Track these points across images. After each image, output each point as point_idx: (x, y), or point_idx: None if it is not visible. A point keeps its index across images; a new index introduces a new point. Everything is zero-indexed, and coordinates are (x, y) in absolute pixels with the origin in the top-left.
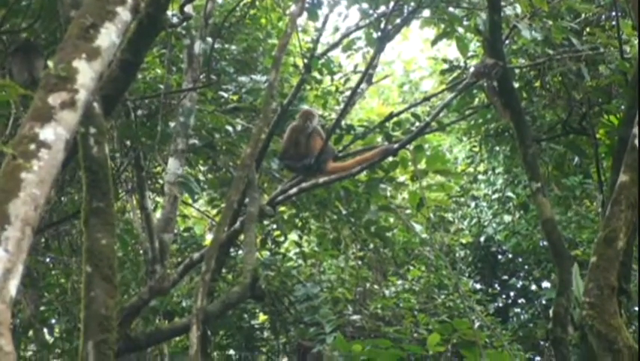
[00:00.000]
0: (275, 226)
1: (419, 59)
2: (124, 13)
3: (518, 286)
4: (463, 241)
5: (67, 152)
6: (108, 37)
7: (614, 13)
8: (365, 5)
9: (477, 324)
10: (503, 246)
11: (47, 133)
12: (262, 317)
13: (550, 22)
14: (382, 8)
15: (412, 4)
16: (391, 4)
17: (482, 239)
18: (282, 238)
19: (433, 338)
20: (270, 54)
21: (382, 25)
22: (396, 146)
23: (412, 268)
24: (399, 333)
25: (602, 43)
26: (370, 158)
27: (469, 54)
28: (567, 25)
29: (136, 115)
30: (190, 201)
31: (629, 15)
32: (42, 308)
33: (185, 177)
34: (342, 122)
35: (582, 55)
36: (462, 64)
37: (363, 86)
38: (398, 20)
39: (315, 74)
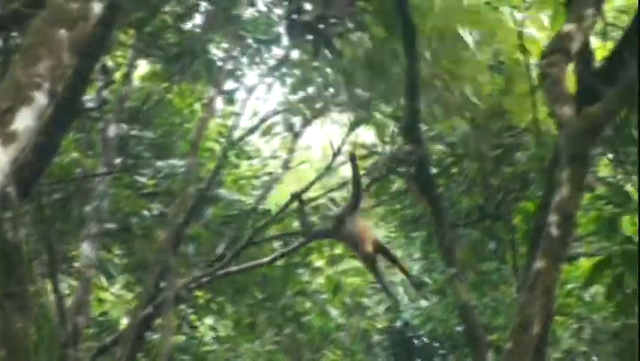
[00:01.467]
0: (190, 310)
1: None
2: (41, 98)
3: None
4: (379, 325)
5: None
6: (24, 121)
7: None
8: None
9: None
10: (419, 331)
11: None
12: None
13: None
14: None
15: (331, 89)
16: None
17: (398, 324)
18: (197, 322)
19: None
20: (186, 138)
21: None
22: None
23: (328, 352)
24: None
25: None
26: None
27: (387, 139)
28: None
29: (49, 199)
30: (106, 284)
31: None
32: None
33: (101, 260)
34: (259, 207)
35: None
36: (380, 149)
37: (280, 171)
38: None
39: (233, 158)
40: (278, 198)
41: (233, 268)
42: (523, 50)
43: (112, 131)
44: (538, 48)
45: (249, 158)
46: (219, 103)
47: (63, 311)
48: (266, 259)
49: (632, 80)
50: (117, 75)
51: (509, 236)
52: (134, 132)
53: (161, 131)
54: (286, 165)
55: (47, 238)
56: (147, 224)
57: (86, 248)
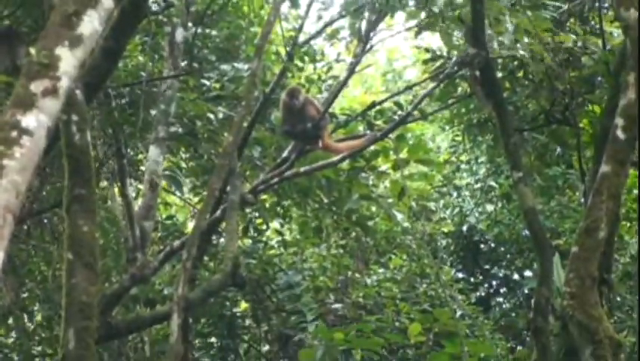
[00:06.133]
0: (257, 214)
1: (402, 48)
2: (106, 1)
3: (500, 275)
4: (445, 230)
5: (49, 139)
6: (91, 24)
7: (597, 4)
8: None
9: (458, 313)
10: (486, 235)
11: (29, 120)
12: (244, 305)
13: (530, 13)
14: None
15: None
16: None
17: (464, 228)
18: (263, 226)
19: (414, 327)
20: (252, 42)
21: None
22: (379, 134)
23: (393, 256)
24: (380, 322)
25: (582, 37)
26: (358, 145)
27: (453, 44)
28: (549, 15)
29: (117, 103)
30: (172, 188)
31: (611, 7)
32: (23, 295)
33: (171, 169)
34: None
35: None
36: (445, 53)
37: (345, 74)
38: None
39: (298, 62)
40: (342, 101)
41: (302, 169)
42: None
43: (179, 34)
44: None
45: (314, 61)
46: (285, 6)
47: (131, 215)
48: (335, 159)
49: None
50: None
51: (575, 140)
52: (199, 33)
53: (227, 34)
54: (351, 69)
55: (116, 142)
56: (213, 127)
57: (153, 152)
